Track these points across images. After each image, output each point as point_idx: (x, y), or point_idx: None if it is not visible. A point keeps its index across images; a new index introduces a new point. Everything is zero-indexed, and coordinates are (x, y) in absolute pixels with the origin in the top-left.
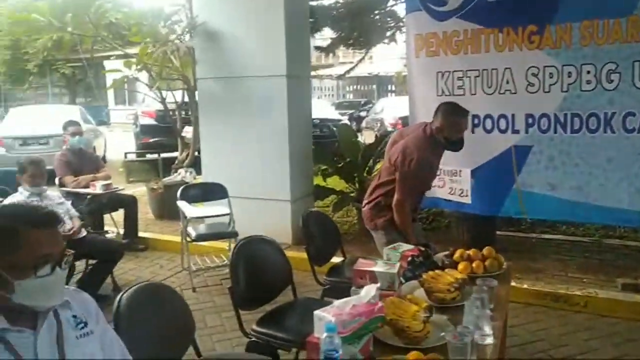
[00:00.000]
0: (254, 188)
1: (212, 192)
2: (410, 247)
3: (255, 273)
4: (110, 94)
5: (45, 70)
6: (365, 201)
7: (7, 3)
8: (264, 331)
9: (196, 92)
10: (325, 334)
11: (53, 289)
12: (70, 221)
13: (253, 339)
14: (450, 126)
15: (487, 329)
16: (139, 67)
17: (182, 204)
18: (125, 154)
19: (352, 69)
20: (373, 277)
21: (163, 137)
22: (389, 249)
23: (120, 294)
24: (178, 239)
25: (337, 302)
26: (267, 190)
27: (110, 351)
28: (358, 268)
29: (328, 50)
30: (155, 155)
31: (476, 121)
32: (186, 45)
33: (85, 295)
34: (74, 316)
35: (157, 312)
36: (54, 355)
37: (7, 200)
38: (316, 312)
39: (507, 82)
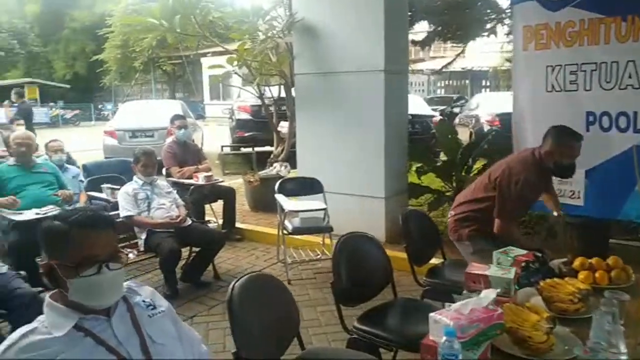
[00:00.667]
0: (348, 184)
1: (309, 186)
2: (523, 252)
3: (357, 269)
4: (206, 89)
5: (150, 68)
6: (451, 212)
7: (119, 6)
8: (365, 329)
9: (293, 88)
10: (444, 338)
11: (103, 289)
12: (177, 209)
13: (354, 336)
14: (561, 150)
15: (622, 347)
16: (239, 63)
17: (279, 197)
18: (222, 147)
19: (449, 63)
20: (487, 282)
21: (257, 132)
22: (499, 253)
23: (233, 282)
24: (273, 231)
25: (454, 305)
26: (361, 186)
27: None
28: (471, 271)
29: (423, 44)
30: (250, 149)
31: (591, 119)
32: (285, 41)
33: (147, 287)
34: (143, 301)
35: (266, 303)
36: (132, 334)
37: (124, 188)
38: (432, 315)
39: (630, 77)
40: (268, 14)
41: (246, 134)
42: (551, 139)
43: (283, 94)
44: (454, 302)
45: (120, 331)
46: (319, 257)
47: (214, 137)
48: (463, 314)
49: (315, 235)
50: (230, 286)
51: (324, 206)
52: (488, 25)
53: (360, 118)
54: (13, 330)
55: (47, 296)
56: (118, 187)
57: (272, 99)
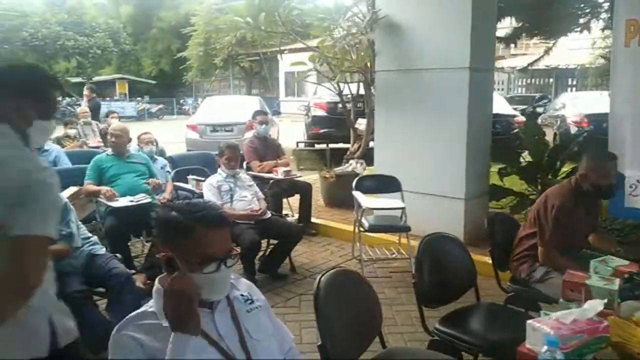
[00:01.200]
0: (426, 183)
1: (386, 184)
2: (624, 262)
3: (440, 271)
4: (282, 86)
5: (229, 64)
6: (512, 259)
7: (202, 6)
8: (448, 331)
9: (372, 85)
10: (545, 347)
11: (217, 285)
12: (258, 202)
13: (436, 338)
14: (596, 171)
15: None
16: (320, 60)
17: (357, 194)
18: (297, 143)
19: (537, 60)
20: (587, 291)
21: (333, 129)
22: (597, 262)
23: (320, 276)
24: (348, 227)
25: (555, 314)
26: (440, 186)
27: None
28: (569, 279)
29: (509, 40)
30: (324, 146)
31: None
32: (368, 38)
33: (244, 279)
34: (242, 295)
35: (351, 299)
36: (231, 329)
37: (209, 180)
38: (530, 322)
39: None
40: (350, 11)
41: (321, 131)
42: (584, 160)
43: (361, 91)
44: (538, 310)
45: (222, 325)
46: (394, 255)
47: (289, 133)
48: (565, 323)
49: (390, 233)
50: (317, 279)
51: (402, 205)
52: (581, 20)
53: (443, 116)
54: (109, 306)
55: (156, 281)
56: (203, 178)
57: (350, 96)
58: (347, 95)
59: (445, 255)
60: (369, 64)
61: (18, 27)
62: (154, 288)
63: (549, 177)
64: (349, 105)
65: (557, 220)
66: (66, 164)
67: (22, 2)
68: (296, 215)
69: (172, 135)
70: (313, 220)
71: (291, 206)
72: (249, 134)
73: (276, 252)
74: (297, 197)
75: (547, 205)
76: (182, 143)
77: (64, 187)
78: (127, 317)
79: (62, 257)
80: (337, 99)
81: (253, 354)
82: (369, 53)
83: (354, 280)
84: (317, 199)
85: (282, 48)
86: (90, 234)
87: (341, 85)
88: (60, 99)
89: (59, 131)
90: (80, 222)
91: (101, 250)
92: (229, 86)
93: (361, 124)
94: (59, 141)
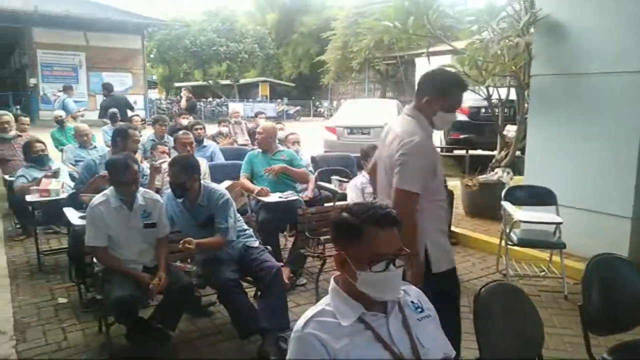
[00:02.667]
0: (584, 198)
1: (540, 196)
2: None
3: (610, 296)
4: None
5: (364, 68)
6: None
7: (343, 12)
8: None
9: (526, 90)
10: None
11: (387, 284)
12: None
13: None
14: None
15: None
16: (469, 64)
17: (507, 205)
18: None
19: None
20: None
21: (473, 134)
22: None
23: (480, 288)
24: (491, 239)
25: None
26: (601, 202)
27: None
28: None
29: None
30: (463, 152)
31: None
32: (525, 40)
33: (414, 287)
34: (412, 302)
35: (512, 315)
36: (403, 334)
37: (353, 181)
38: None
39: None
40: (504, 10)
41: (461, 136)
42: None
43: (511, 96)
44: None
45: (394, 329)
46: (544, 273)
47: None
48: None
49: (540, 250)
50: (477, 291)
51: (559, 220)
52: None
53: (609, 125)
54: (259, 296)
55: (331, 280)
56: (346, 179)
57: (499, 101)
58: (496, 100)
59: (616, 279)
60: (523, 68)
61: (181, 36)
62: (330, 286)
63: None
64: (497, 111)
65: None
66: (220, 159)
67: (185, 13)
68: None
69: (308, 136)
70: (452, 228)
71: None
72: None
73: None
74: None
75: None
76: (315, 144)
77: (219, 181)
78: (307, 314)
79: (218, 248)
80: (480, 103)
81: None
82: (525, 56)
83: (515, 295)
84: (456, 207)
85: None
86: (246, 227)
87: (490, 89)
88: (210, 99)
89: (214, 129)
90: (239, 215)
91: (255, 242)
92: (364, 89)
93: (509, 130)
94: (213, 138)
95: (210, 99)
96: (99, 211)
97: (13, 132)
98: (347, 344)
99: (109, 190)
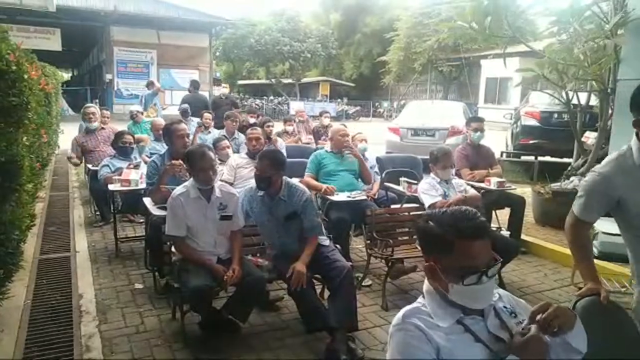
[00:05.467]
0: None
1: None
2: None
3: None
4: (481, 92)
5: (427, 69)
6: None
7: (407, 12)
8: None
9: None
10: None
11: (480, 296)
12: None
13: None
14: None
15: None
16: (549, 67)
17: None
18: (501, 152)
19: None
20: None
21: (544, 140)
22: None
23: (575, 300)
24: (566, 250)
25: None
26: None
27: None
28: None
29: None
30: (532, 158)
31: None
32: (615, 42)
33: (504, 291)
34: (505, 307)
35: (609, 334)
36: (504, 336)
37: (421, 184)
38: None
39: None
40: (589, 9)
41: (531, 142)
42: None
43: (591, 102)
44: None
45: (494, 332)
46: (625, 289)
47: (484, 141)
48: None
49: (619, 263)
50: (572, 305)
51: None
52: None
53: None
54: (329, 295)
55: (425, 281)
56: (415, 182)
57: (578, 106)
58: (576, 105)
59: None
60: (607, 72)
61: (246, 35)
62: (425, 288)
63: None
64: (576, 116)
65: None
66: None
67: (252, 13)
68: (504, 230)
69: (368, 136)
70: (523, 237)
71: (498, 219)
72: (450, 140)
73: None
74: (506, 210)
75: None
76: (378, 144)
77: None
78: (403, 310)
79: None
80: (552, 108)
81: None
82: (611, 59)
83: (615, 314)
84: (527, 215)
85: (486, 53)
86: None
87: (569, 94)
88: (272, 97)
89: (279, 127)
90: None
91: (325, 241)
92: (425, 91)
93: (588, 137)
94: (278, 136)
95: (271, 97)
96: (179, 202)
97: (97, 124)
98: (447, 341)
99: (189, 182)
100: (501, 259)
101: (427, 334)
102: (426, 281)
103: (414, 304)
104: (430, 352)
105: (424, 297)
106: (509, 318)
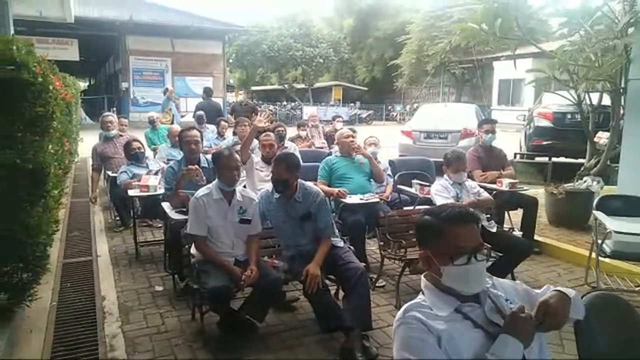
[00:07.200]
0: None
1: (637, 207)
2: None
3: None
4: (494, 94)
5: (439, 71)
6: None
7: (419, 14)
8: None
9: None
10: None
11: (470, 277)
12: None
13: None
14: None
15: None
16: (560, 68)
17: (599, 215)
18: (515, 154)
19: None
20: None
21: (557, 141)
22: None
23: (580, 296)
24: (579, 250)
25: None
26: None
27: None
28: None
29: None
30: (546, 159)
31: None
32: (625, 42)
33: (502, 280)
34: (500, 295)
35: (618, 329)
36: (500, 321)
37: (434, 186)
38: None
39: None
40: (599, 10)
41: (544, 143)
42: None
43: (604, 102)
44: None
45: (491, 318)
46: (638, 288)
47: (499, 143)
48: None
49: (632, 262)
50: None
51: None
52: None
53: None
54: (344, 296)
55: (422, 277)
56: (427, 184)
57: (589, 107)
58: (588, 105)
59: None
60: (619, 72)
61: (259, 41)
62: (422, 284)
63: None
64: (588, 117)
65: None
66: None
67: (264, 19)
68: (517, 230)
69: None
70: (536, 237)
71: (511, 220)
72: (463, 142)
73: (500, 265)
74: (519, 211)
75: None
76: (391, 148)
77: None
78: (404, 307)
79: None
80: (565, 109)
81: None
82: (622, 59)
83: (623, 308)
84: (540, 215)
85: (499, 55)
86: None
87: (581, 94)
88: (285, 103)
89: (293, 132)
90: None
91: (340, 242)
92: (438, 93)
93: (601, 137)
94: (292, 140)
95: (285, 103)
96: (202, 202)
97: (115, 131)
98: (448, 328)
99: (213, 184)
100: (489, 246)
101: (428, 324)
102: (423, 277)
103: (414, 300)
104: (433, 342)
105: (423, 293)
106: (505, 304)
